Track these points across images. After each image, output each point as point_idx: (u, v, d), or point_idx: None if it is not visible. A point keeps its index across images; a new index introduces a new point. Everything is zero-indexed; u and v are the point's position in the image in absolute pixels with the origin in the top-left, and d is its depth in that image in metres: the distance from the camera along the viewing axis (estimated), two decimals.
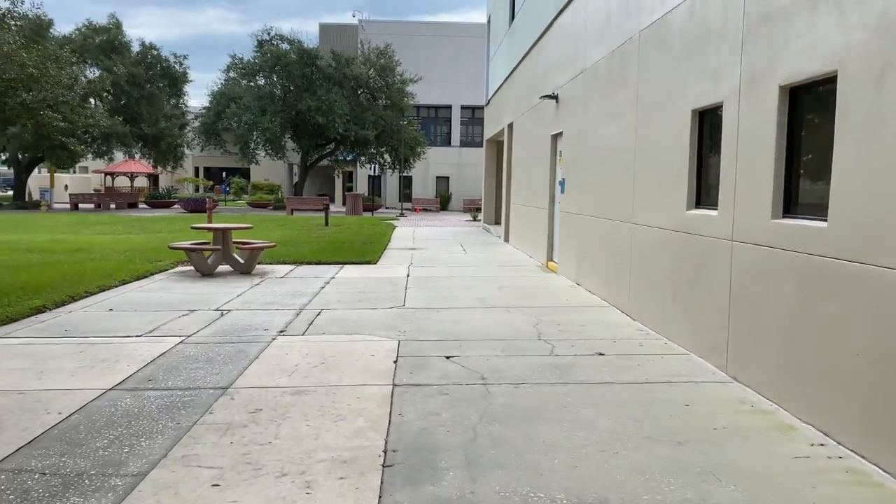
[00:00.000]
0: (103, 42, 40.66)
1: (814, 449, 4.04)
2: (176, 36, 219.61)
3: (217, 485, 3.45)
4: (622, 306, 8.26)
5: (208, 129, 41.13)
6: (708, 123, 6.28)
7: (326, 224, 24.18)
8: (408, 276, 11.45)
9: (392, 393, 4.96)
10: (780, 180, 4.89)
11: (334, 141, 41.06)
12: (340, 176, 51.55)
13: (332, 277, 11.13)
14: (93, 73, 39.58)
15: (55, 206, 41.15)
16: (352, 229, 22.27)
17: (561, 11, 11.86)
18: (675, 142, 6.74)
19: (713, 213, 5.92)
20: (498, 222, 22.84)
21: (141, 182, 52.56)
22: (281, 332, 7.04)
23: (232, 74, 41.32)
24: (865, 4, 3.96)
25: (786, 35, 4.76)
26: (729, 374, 5.52)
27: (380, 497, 3.33)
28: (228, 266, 11.86)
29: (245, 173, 59.14)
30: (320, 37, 49.03)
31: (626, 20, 8.31)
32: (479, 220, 28.40)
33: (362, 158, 42.29)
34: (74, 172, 58.35)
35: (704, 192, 6.38)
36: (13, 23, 8.75)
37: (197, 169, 63.84)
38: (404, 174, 43.32)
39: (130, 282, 10.39)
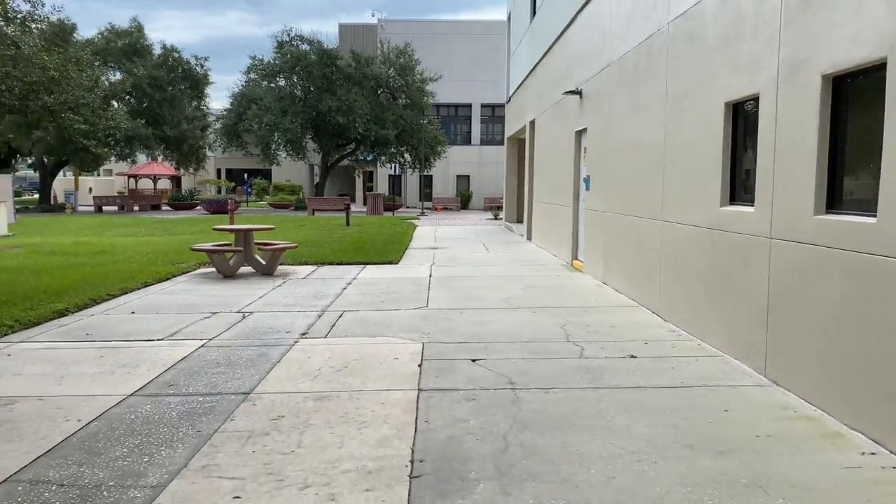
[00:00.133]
0: (125, 45, 41.00)
1: (865, 458, 3.82)
2: (197, 38, 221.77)
3: (238, 497, 3.32)
4: (652, 306, 8.03)
5: (230, 131, 41.32)
6: (742, 116, 6.05)
7: (347, 224, 24.12)
8: (430, 276, 11.29)
9: (417, 398, 4.80)
10: (824, 174, 4.66)
11: (355, 141, 41.04)
12: (361, 176, 51.57)
13: (354, 278, 11.01)
14: (115, 76, 39.91)
15: (80, 208, 41.60)
16: (373, 229, 22.18)
17: (585, 5, 11.63)
18: (708, 136, 6.51)
19: (749, 209, 5.69)
20: (520, 220, 22.62)
21: (164, 184, 53.01)
22: (303, 334, 6.92)
23: (252, 76, 41.45)
24: None
25: (829, 21, 4.53)
26: (768, 377, 5.28)
27: None
28: (250, 267, 11.80)
29: (267, 174, 59.39)
30: (340, 37, 49.04)
31: (654, 11, 8.07)
32: (501, 219, 28.17)
33: (383, 158, 42.22)
34: (99, 175, 58.98)
35: (739, 187, 6.15)
36: (34, 26, 8.72)
37: (219, 170, 64.22)
38: (425, 173, 43.17)
39: (153, 284, 10.35)
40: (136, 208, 41.11)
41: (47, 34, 21.10)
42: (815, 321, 4.65)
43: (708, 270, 6.48)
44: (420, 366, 5.66)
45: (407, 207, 44.84)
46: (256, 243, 12.13)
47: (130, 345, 6.45)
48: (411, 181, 48.11)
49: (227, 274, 11.30)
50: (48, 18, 8.43)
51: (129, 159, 43.39)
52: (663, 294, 7.69)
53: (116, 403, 4.71)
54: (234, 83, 73.95)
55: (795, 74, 4.92)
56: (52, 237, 19.21)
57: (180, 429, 4.24)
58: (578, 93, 11.94)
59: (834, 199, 4.65)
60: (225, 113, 42.52)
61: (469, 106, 48.29)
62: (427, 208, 41.17)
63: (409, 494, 3.34)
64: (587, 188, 11.47)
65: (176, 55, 44.09)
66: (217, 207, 36.71)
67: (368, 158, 44.41)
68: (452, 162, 46.66)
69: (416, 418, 4.39)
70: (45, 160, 41.58)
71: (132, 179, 48.23)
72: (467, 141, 48.76)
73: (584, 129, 11.75)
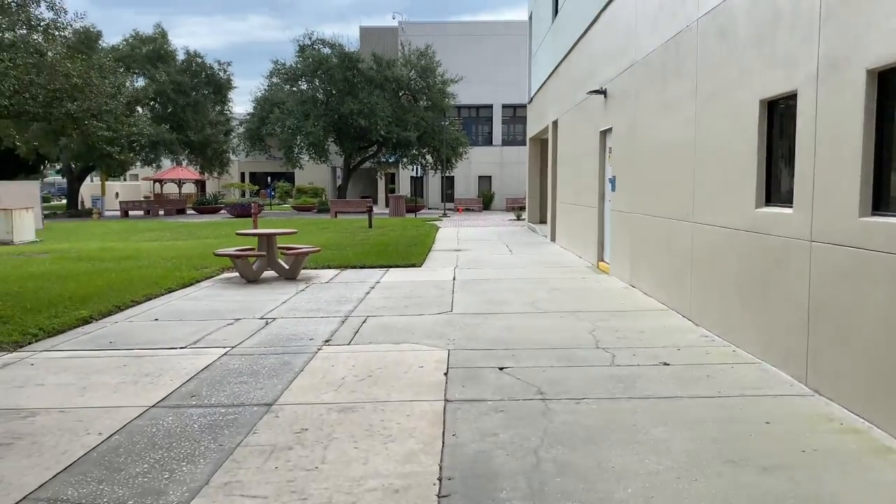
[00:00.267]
0: (149, 52, 41.41)
1: None
2: (220, 44, 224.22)
3: None
4: (683, 310, 7.80)
5: (253, 135, 41.57)
6: (778, 114, 5.82)
7: (370, 226, 24.07)
8: (454, 279, 11.15)
9: (444, 410, 4.65)
10: (869, 174, 4.43)
11: (376, 143, 41.07)
12: (383, 178, 51.62)
13: (377, 282, 10.91)
14: (140, 82, 40.34)
15: (106, 213, 42.10)
16: (395, 231, 22.09)
17: (609, 3, 11.41)
18: (741, 135, 6.29)
19: (787, 211, 5.47)
20: (543, 221, 22.40)
21: (188, 188, 53.52)
22: (326, 341, 6.81)
23: (275, 80, 41.67)
24: None
25: (873, 13, 4.30)
26: (809, 385, 5.06)
27: None
28: (273, 272, 11.75)
29: (290, 177, 59.71)
30: (361, 40, 49.13)
31: (682, 7, 7.85)
32: (524, 220, 27.95)
33: (404, 160, 42.19)
34: (125, 180, 59.72)
35: (775, 188, 5.92)
36: (57, 33, 8.76)
37: (243, 174, 64.72)
38: (446, 174, 43.06)
39: (176, 290, 10.33)
40: (161, 212, 41.52)
41: (73, 42, 21.38)
42: (862, 328, 4.43)
43: (743, 273, 6.25)
44: (446, 374, 5.52)
45: (429, 209, 44.76)
46: (279, 247, 12.09)
47: (154, 353, 6.38)
48: (433, 182, 48.04)
49: (251, 279, 11.25)
50: (71, 26, 8.44)
51: (154, 164, 43.83)
52: (695, 297, 7.46)
53: (138, 415, 4.63)
54: (257, 87, 74.46)
55: (836, 70, 4.70)
56: (78, 242, 19.39)
57: (202, 442, 4.14)
58: (603, 92, 11.72)
59: (880, 200, 4.42)
60: (248, 117, 42.80)
61: (490, 107, 48.13)
62: (449, 209, 41.03)
63: None
64: (613, 189, 11.25)
65: (199, 60, 44.43)
66: (241, 211, 36.92)
67: (390, 160, 44.42)
68: (474, 163, 46.50)
69: (444, 431, 4.25)
70: (73, 166, 42.15)
71: (158, 184, 48.76)
72: (489, 142, 48.59)
73: (609, 129, 11.53)
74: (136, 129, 10.66)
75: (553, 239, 18.30)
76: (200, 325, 7.67)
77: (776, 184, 5.90)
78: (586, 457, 3.84)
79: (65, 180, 48.13)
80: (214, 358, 6.15)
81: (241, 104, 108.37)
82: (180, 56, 43.89)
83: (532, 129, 23.47)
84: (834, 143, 4.74)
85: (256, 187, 59.52)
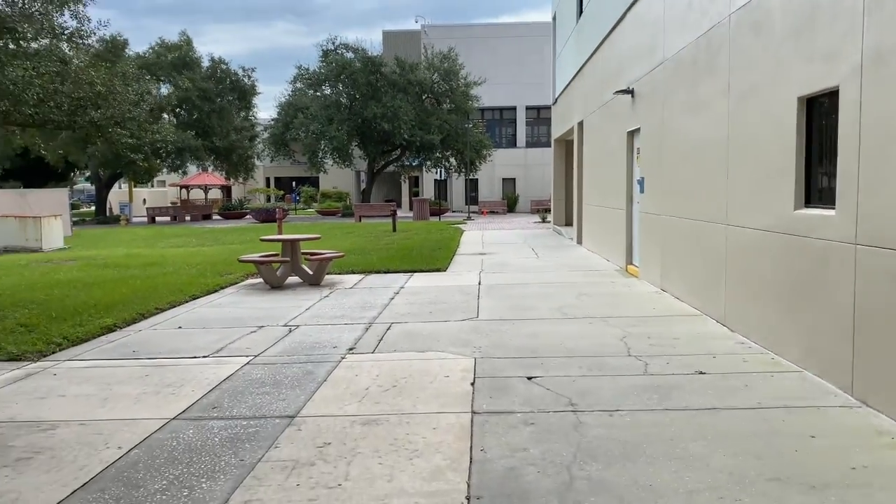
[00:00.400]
0: (175, 59, 41.81)
1: None
2: (244, 50, 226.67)
3: None
4: (717, 316, 7.55)
5: (277, 140, 41.76)
6: (818, 110, 5.57)
7: (394, 230, 23.99)
8: (479, 283, 10.98)
9: (471, 422, 4.48)
10: None
11: (400, 147, 41.03)
12: (407, 181, 51.59)
13: (402, 287, 10.77)
14: (166, 89, 40.75)
15: (134, 219, 42.63)
16: (419, 235, 21.97)
17: (636, 0, 11.17)
18: (777, 133, 6.04)
19: (829, 212, 5.22)
20: (569, 224, 22.14)
21: (214, 194, 53.97)
22: (350, 349, 6.68)
23: (299, 85, 41.83)
24: None
25: None
26: (856, 396, 4.81)
27: None
28: (297, 277, 11.68)
29: (314, 182, 59.97)
30: (384, 44, 49.17)
31: (713, 3, 7.61)
32: (549, 222, 27.69)
33: (428, 163, 42.10)
34: (152, 186, 60.45)
35: (815, 189, 5.67)
36: (81, 41, 8.78)
37: (268, 179, 65.16)
38: (470, 177, 42.89)
39: (201, 296, 10.30)
40: (187, 218, 41.90)
41: (99, 50, 21.62)
42: None
43: (781, 278, 6.00)
44: (473, 384, 5.35)
45: (453, 212, 44.62)
46: (303, 253, 12.02)
47: (176, 362, 6.31)
48: (457, 185, 47.89)
49: (275, 285, 11.19)
50: (94, 34, 8.48)
51: (180, 170, 44.26)
52: (729, 302, 7.21)
53: (158, 428, 4.53)
54: (281, 93, 74.94)
55: (883, 63, 4.46)
56: (105, 249, 19.56)
57: (222, 457, 4.02)
58: (630, 92, 11.48)
59: None
60: (272, 122, 43.01)
61: (514, 108, 47.89)
62: (473, 212, 40.85)
63: None
64: (641, 190, 11.00)
65: (224, 67, 44.78)
66: (266, 216, 37.12)
67: (414, 164, 44.36)
68: (498, 165, 46.27)
69: (471, 446, 4.08)
70: (100, 173, 42.71)
71: (184, 190, 49.25)
72: (512, 143, 48.35)
73: (637, 129, 11.28)
74: (160, 136, 10.67)
75: (579, 242, 18.04)
76: (224, 332, 7.60)
77: (816, 184, 5.65)
78: (622, 474, 3.65)
79: (93, 187, 48.82)
80: (237, 367, 6.05)
81: (265, 110, 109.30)
82: (205, 63, 44.27)
83: (557, 131, 23.22)
84: (881, 140, 4.49)
85: (281, 192, 59.86)
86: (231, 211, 44.02)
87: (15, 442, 4.34)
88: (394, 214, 26.32)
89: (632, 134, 11.79)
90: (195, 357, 6.50)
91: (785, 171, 5.91)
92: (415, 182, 51.82)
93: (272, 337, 7.31)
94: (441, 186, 47.69)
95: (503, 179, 47.88)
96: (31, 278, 12.27)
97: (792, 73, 5.76)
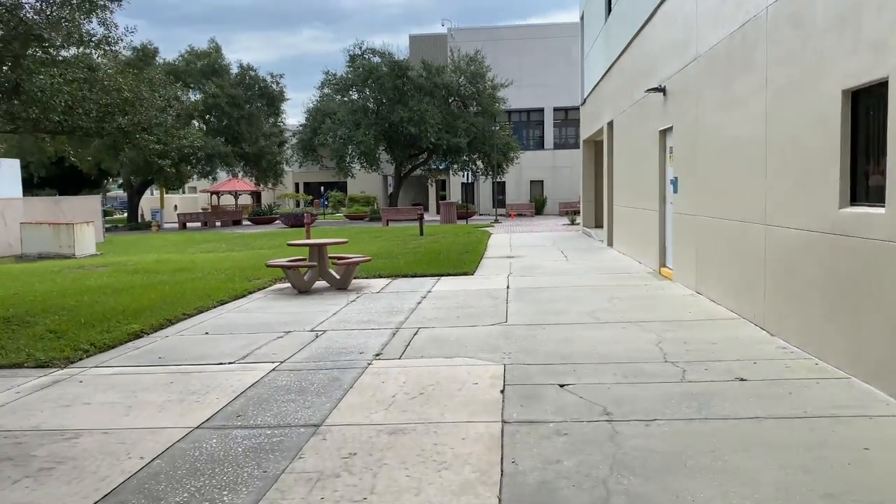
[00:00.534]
0: (204, 66, 42.33)
1: None
2: (273, 57, 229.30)
3: None
4: (756, 319, 7.27)
5: (305, 146, 42.00)
6: (864, 104, 5.30)
7: (421, 234, 23.88)
8: (507, 287, 10.79)
9: (502, 433, 4.31)
10: None
11: (427, 150, 40.97)
12: (434, 184, 51.51)
13: (429, 291, 10.63)
14: (196, 96, 41.23)
15: (165, 225, 43.16)
16: (447, 238, 21.83)
17: None
18: (820, 129, 5.77)
19: (878, 210, 4.95)
20: (599, 226, 21.83)
21: (244, 199, 54.52)
22: (377, 355, 6.55)
23: (326, 90, 42.04)
24: None
25: None
26: None
27: None
28: (325, 282, 11.61)
29: (342, 187, 60.29)
30: (410, 48, 49.20)
31: None
32: (578, 224, 27.35)
33: (455, 166, 41.99)
34: (184, 193, 61.26)
35: (862, 186, 5.39)
36: (108, 48, 8.82)
37: (297, 185, 65.69)
38: (497, 180, 42.66)
39: (228, 302, 10.27)
40: (218, 224, 42.34)
41: (130, 58, 21.94)
42: None
43: (826, 280, 5.73)
44: (502, 392, 5.18)
45: (480, 215, 44.41)
46: (330, 257, 11.95)
47: (201, 369, 6.23)
48: (484, 188, 47.67)
49: (302, 289, 11.13)
50: (121, 40, 8.52)
51: (210, 176, 44.75)
52: (769, 305, 6.93)
53: (182, 437, 4.44)
54: (309, 99, 75.65)
55: None
56: (136, 255, 19.76)
57: (245, 468, 3.90)
58: (662, 90, 11.21)
59: None
60: (300, 128, 43.29)
61: (541, 110, 47.56)
62: (501, 215, 40.59)
63: None
64: (675, 190, 10.72)
65: (252, 73, 45.20)
66: (295, 221, 37.33)
67: (441, 167, 44.26)
68: (525, 167, 45.98)
69: (502, 458, 3.91)
70: (132, 180, 43.34)
71: (215, 196, 49.81)
72: (540, 145, 48.03)
73: (670, 128, 11.01)
74: (187, 142, 10.69)
75: (610, 244, 17.74)
76: (250, 338, 7.52)
77: (863, 181, 5.37)
78: (662, 489, 3.45)
79: (125, 194, 49.58)
80: (263, 374, 5.96)
81: (293, 116, 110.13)
82: (234, 70, 44.75)
83: (585, 132, 22.93)
84: None
85: (310, 197, 60.29)
86: (261, 216, 44.38)
87: (38, 451, 4.28)
88: (421, 218, 26.21)
89: (664, 133, 11.51)
90: (221, 363, 6.42)
91: (828, 168, 5.64)
92: (441, 185, 51.73)
93: (298, 342, 7.21)
94: (468, 189, 47.53)
95: (531, 182, 47.56)
96: (62, 284, 12.38)
97: (835, 66, 5.49)
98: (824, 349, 5.74)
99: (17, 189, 26.97)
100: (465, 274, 12.69)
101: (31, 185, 41.72)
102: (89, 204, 28.00)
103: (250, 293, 11.14)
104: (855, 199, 5.45)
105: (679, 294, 9.60)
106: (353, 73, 40.29)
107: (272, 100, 46.47)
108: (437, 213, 40.44)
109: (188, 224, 42.30)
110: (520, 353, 6.42)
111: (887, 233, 4.78)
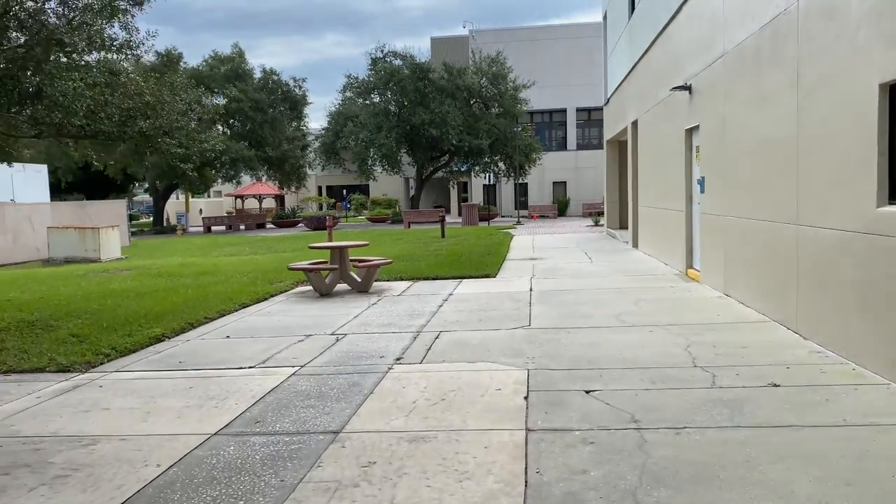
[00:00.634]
0: (227, 71, 42.68)
1: None
2: (296, 62, 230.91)
3: None
4: (788, 322, 7.05)
5: (328, 149, 42.14)
6: None
7: (443, 236, 23.77)
8: (530, 290, 10.63)
9: (526, 441, 4.18)
10: None
11: (448, 152, 40.88)
12: (455, 187, 51.39)
13: (451, 294, 10.51)
14: (220, 100, 41.58)
15: (190, 229, 43.58)
16: (468, 240, 21.70)
17: None
18: (855, 125, 5.56)
19: None
20: (624, 227, 21.56)
21: (268, 203, 54.87)
22: (398, 359, 6.45)
23: (348, 94, 42.16)
24: None
25: None
26: None
27: None
28: (346, 285, 11.54)
29: (364, 190, 60.45)
30: (432, 50, 49.19)
31: None
32: (602, 225, 27.07)
33: (476, 168, 41.83)
34: (209, 197, 61.83)
35: None
36: (130, 52, 8.85)
37: (320, 188, 65.98)
38: (520, 181, 42.43)
39: (250, 305, 10.24)
40: (242, 227, 42.63)
41: (154, 63, 22.11)
42: None
43: (862, 281, 5.51)
44: (526, 398, 5.04)
45: (502, 216, 44.22)
46: (352, 260, 11.89)
47: (221, 374, 6.17)
48: (506, 190, 47.47)
49: (324, 292, 11.08)
50: (143, 44, 8.54)
51: (234, 180, 45.09)
52: (802, 308, 6.71)
53: (199, 444, 4.36)
54: (331, 102, 76.15)
55: None
56: (160, 259, 19.90)
57: (263, 477, 3.82)
58: (688, 88, 10.99)
59: None
60: (323, 132, 43.45)
61: (564, 111, 47.24)
62: (523, 217, 40.37)
63: None
64: (702, 190, 10.49)
65: (275, 78, 45.49)
66: (317, 224, 37.44)
67: (462, 169, 44.13)
68: (548, 168, 45.68)
69: (526, 467, 3.77)
70: (157, 184, 43.82)
71: (239, 200, 50.20)
72: (563, 146, 47.70)
73: (696, 127, 10.79)
74: (209, 146, 10.70)
75: (635, 245, 17.49)
76: (271, 342, 7.46)
77: None
78: (694, 502, 3.29)
79: (151, 198, 50.16)
80: (282, 379, 5.88)
81: (316, 119, 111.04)
82: (257, 74, 45.05)
83: (609, 132, 22.67)
84: None
85: (333, 200, 60.51)
86: (284, 219, 44.61)
87: (55, 458, 4.24)
88: (442, 220, 26.12)
89: (690, 132, 11.29)
90: (241, 368, 6.36)
91: (865, 165, 5.43)
92: (463, 188, 51.61)
93: (319, 346, 7.14)
94: (490, 191, 47.34)
95: (553, 183, 47.24)
96: (87, 288, 12.47)
97: (872, 59, 5.29)
98: (861, 353, 5.53)
99: (44, 194, 27.37)
100: (487, 276, 12.55)
101: (59, 190, 42.42)
102: (115, 208, 28.33)
103: (272, 296, 11.11)
104: (893, 198, 5.23)
105: (707, 296, 9.37)
106: (374, 77, 40.34)
107: (295, 104, 46.72)
108: (459, 215, 40.36)
109: (213, 227, 42.64)
110: (544, 357, 6.28)
111: None
